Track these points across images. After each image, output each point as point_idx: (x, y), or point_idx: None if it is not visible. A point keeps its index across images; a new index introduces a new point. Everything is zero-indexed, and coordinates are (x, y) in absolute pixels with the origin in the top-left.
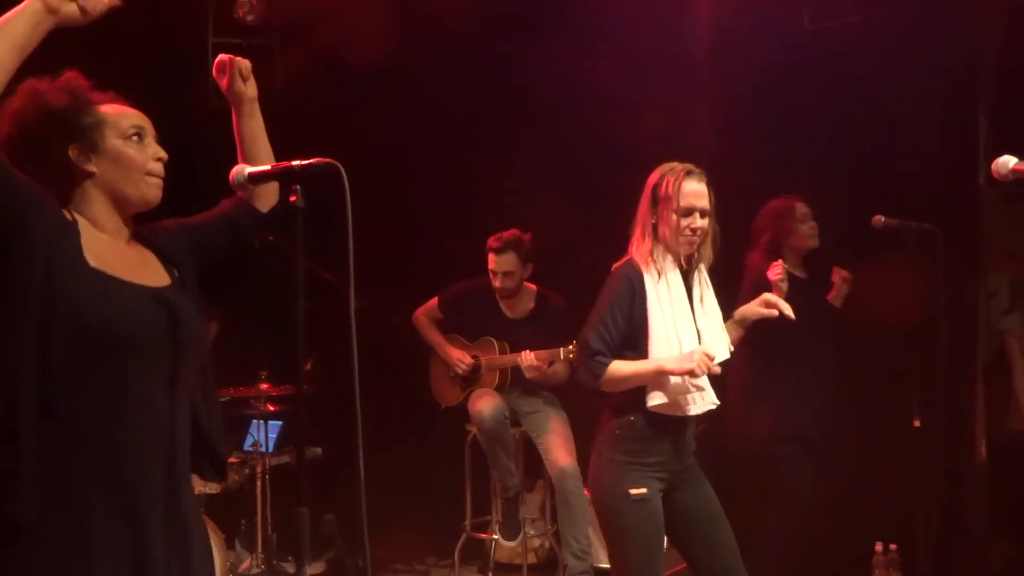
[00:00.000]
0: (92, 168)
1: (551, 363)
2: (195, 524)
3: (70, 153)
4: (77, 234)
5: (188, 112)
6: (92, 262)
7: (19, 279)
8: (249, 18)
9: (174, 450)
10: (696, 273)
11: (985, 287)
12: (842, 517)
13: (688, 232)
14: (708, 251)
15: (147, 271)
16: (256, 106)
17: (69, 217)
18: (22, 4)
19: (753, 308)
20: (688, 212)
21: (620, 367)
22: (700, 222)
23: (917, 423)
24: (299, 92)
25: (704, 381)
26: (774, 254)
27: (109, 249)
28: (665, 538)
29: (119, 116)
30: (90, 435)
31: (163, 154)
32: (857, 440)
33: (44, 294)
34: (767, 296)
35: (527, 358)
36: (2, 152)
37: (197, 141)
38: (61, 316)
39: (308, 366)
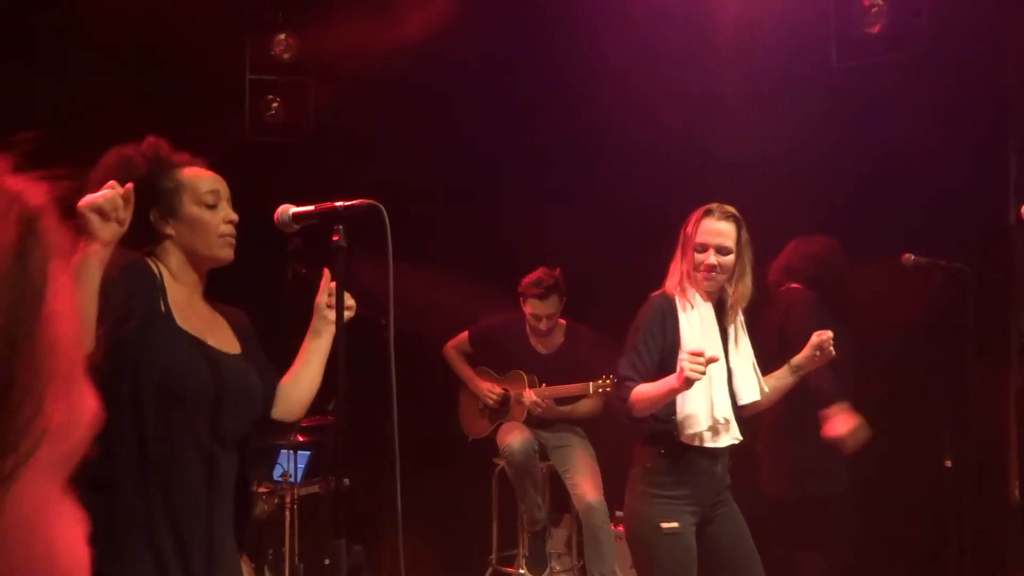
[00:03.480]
0: (170, 231)
1: (580, 396)
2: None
3: (150, 217)
4: (162, 288)
5: (226, 147)
6: (178, 320)
7: (115, 343)
8: (285, 56)
9: (223, 498)
10: (732, 315)
11: (1017, 326)
12: (874, 559)
13: (703, 269)
14: (744, 292)
15: (221, 335)
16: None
17: (154, 268)
18: (82, 256)
19: (810, 357)
20: (703, 249)
21: (641, 389)
22: (715, 259)
23: (948, 463)
24: (333, 128)
25: (729, 414)
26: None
27: (187, 304)
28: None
29: (197, 180)
30: (162, 485)
31: (234, 216)
32: (888, 480)
33: (136, 353)
34: (816, 340)
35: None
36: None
37: (234, 177)
38: (149, 375)
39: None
